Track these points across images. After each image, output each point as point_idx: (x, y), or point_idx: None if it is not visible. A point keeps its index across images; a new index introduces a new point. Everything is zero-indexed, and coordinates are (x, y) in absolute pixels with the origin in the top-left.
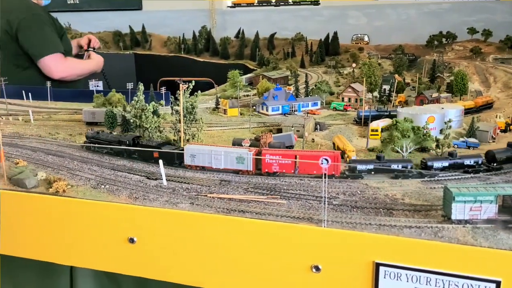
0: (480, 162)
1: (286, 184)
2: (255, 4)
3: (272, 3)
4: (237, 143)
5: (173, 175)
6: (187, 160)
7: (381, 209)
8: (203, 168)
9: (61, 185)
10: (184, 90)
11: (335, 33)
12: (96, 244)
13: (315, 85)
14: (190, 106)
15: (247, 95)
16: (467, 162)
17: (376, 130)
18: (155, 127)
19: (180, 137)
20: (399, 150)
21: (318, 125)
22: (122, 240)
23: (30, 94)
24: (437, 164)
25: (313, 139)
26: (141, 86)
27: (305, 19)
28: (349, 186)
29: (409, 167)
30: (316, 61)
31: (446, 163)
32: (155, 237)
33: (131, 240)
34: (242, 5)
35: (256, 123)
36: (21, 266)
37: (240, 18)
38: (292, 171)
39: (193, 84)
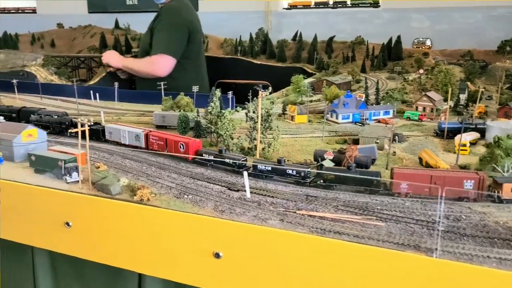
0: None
1: (378, 203)
2: (311, 6)
3: (329, 5)
4: (319, 155)
5: (255, 187)
6: (107, 136)
7: (495, 239)
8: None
9: (145, 193)
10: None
11: (398, 37)
12: (179, 256)
13: (387, 93)
14: (265, 113)
15: (310, 101)
16: (289, 171)
17: (464, 145)
18: (229, 134)
19: (255, 145)
20: (499, 169)
21: (396, 136)
22: (207, 254)
23: (97, 94)
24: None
25: (394, 152)
26: (218, 92)
27: (363, 22)
28: (450, 209)
29: None
30: (378, 65)
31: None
32: (243, 253)
33: (217, 255)
34: (298, 7)
35: (328, 132)
36: (91, 268)
37: (296, 20)
38: (165, 150)
39: (271, 90)
